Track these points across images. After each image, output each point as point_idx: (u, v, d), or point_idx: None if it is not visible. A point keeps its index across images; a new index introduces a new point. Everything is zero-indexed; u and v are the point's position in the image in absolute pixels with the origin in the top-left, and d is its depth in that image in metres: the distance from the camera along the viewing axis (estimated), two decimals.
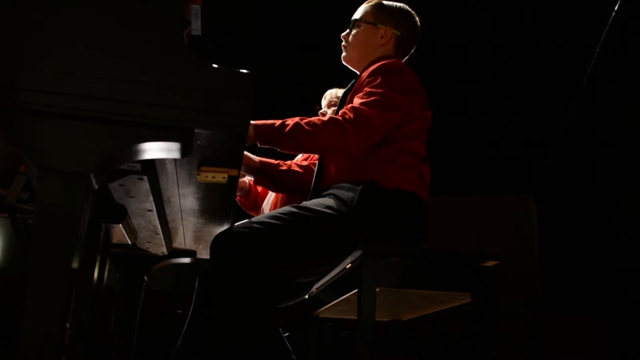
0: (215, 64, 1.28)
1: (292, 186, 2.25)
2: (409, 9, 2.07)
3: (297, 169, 2.26)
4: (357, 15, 2.06)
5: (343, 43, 2.08)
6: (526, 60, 5.48)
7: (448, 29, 5.39)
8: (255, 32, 5.49)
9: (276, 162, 2.26)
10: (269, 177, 2.22)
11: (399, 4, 2.06)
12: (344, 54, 2.08)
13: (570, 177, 5.20)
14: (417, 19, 2.06)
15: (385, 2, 2.05)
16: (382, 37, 2.01)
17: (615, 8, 3.48)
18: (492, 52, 5.48)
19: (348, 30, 2.07)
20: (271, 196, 2.57)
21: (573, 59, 4.84)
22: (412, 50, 2.11)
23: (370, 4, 2.06)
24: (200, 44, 1.66)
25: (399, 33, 2.02)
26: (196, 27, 1.60)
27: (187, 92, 1.24)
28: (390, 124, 1.80)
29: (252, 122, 1.69)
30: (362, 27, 2.03)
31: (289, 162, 2.30)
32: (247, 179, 2.58)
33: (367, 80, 1.86)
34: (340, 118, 1.74)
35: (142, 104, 1.22)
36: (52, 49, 1.22)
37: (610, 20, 3.55)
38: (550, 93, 5.39)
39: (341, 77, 2.42)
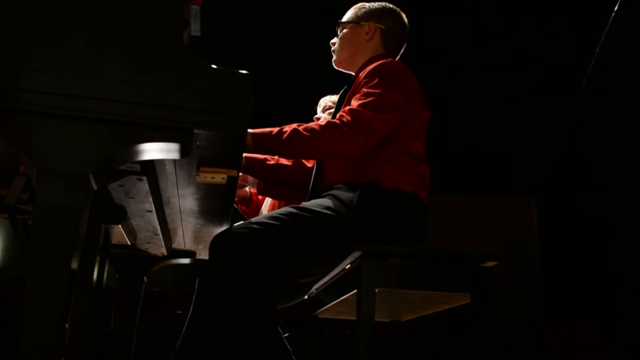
0: (215, 64, 1.28)
1: (281, 180, 2.21)
2: (393, 6, 2.09)
3: (285, 162, 2.24)
4: (341, 19, 2.11)
5: (332, 48, 2.11)
6: (526, 60, 5.48)
7: (447, 29, 5.40)
8: (255, 32, 5.49)
9: (263, 157, 2.24)
10: (256, 173, 2.19)
11: (382, 2, 2.09)
12: (334, 58, 2.11)
13: (570, 177, 5.20)
14: (402, 15, 2.09)
15: (367, 3, 2.10)
16: (366, 33, 2.04)
17: (615, 8, 3.48)
18: (493, 52, 5.48)
19: (336, 37, 2.10)
20: (269, 200, 2.58)
21: (573, 59, 4.84)
22: (404, 47, 2.11)
23: (353, 8, 2.11)
24: (199, 45, 1.66)
25: (383, 26, 2.03)
26: (195, 27, 1.60)
27: (186, 92, 1.24)
28: (389, 125, 1.80)
29: (249, 130, 1.69)
30: (347, 28, 2.08)
31: (276, 157, 2.28)
32: (248, 188, 2.58)
33: (364, 80, 1.86)
34: (337, 122, 1.74)
35: (141, 104, 1.22)
36: (51, 49, 1.22)
37: (610, 21, 3.55)
38: (550, 93, 5.39)
39: (340, 77, 2.43)
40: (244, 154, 2.18)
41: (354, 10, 2.10)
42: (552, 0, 5.19)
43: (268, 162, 2.22)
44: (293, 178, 2.18)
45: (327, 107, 2.65)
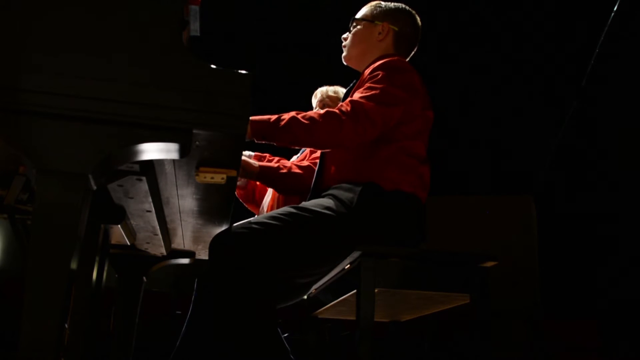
0: (214, 64, 1.28)
1: (294, 188, 2.25)
2: (408, 7, 2.08)
3: (297, 170, 2.26)
4: (356, 15, 2.10)
5: (343, 43, 2.10)
6: (527, 60, 5.47)
7: (446, 27, 5.39)
8: (254, 32, 5.49)
9: (276, 165, 2.26)
10: (269, 182, 2.23)
11: (397, 3, 2.08)
12: (344, 53, 2.10)
13: (570, 177, 5.20)
14: (416, 17, 2.08)
15: (383, 2, 2.08)
16: (379, 33, 2.03)
17: (615, 8, 3.48)
18: (493, 51, 5.47)
19: (348, 32, 2.09)
20: (269, 196, 2.57)
21: (573, 59, 4.84)
22: (415, 49, 2.11)
23: (368, 5, 2.10)
24: (199, 45, 1.66)
25: (396, 29, 2.03)
26: (195, 27, 1.60)
27: (185, 92, 1.24)
28: (389, 119, 1.79)
29: None
30: (360, 25, 2.07)
31: (288, 164, 2.30)
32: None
33: (368, 76, 1.87)
34: (337, 111, 1.74)
35: (140, 104, 1.22)
36: (51, 50, 1.22)
37: (610, 21, 3.55)
38: (550, 93, 5.39)
39: (340, 77, 2.42)
40: (260, 164, 2.21)
41: (369, 8, 2.09)
42: (553, 0, 5.19)
43: (281, 171, 2.23)
44: (304, 186, 2.19)
45: (322, 98, 2.64)
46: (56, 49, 1.22)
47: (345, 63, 2.12)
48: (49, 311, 1.14)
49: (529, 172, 4.95)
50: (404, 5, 2.09)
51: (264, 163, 2.25)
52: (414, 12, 2.09)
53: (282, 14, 5.44)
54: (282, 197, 2.42)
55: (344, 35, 2.11)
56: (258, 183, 2.64)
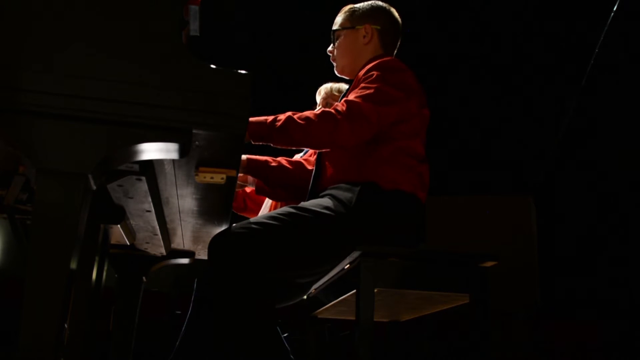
0: (214, 64, 1.28)
1: (284, 183, 2.21)
2: (382, 3, 2.08)
3: (287, 164, 2.24)
4: (334, 26, 2.10)
5: (331, 57, 2.09)
6: (526, 60, 5.48)
7: (446, 28, 5.39)
8: (254, 32, 5.49)
9: (264, 159, 2.24)
10: (258, 175, 2.20)
11: (371, 1, 2.08)
12: (335, 66, 2.10)
13: (570, 178, 5.20)
14: (393, 10, 2.08)
15: (355, 5, 2.07)
16: (364, 36, 2.02)
17: (614, 8, 3.48)
18: (492, 51, 5.48)
19: (332, 45, 2.08)
20: (269, 200, 2.56)
21: (573, 58, 4.84)
22: (398, 43, 2.11)
23: (342, 12, 2.09)
24: (199, 45, 1.66)
25: (379, 27, 2.03)
26: (195, 28, 1.60)
27: (185, 92, 1.24)
28: (386, 118, 1.79)
29: None
30: (343, 35, 2.06)
31: (278, 159, 2.28)
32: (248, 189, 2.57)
33: (363, 77, 1.87)
34: (332, 111, 1.74)
35: (140, 104, 1.22)
36: (51, 50, 1.22)
37: (609, 20, 3.55)
38: (550, 93, 5.39)
39: (340, 77, 2.42)
40: (248, 156, 2.19)
41: (345, 15, 2.08)
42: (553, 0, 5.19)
43: (270, 164, 2.22)
44: (294, 181, 2.18)
45: (326, 97, 2.62)
46: (56, 49, 1.22)
47: (339, 75, 2.12)
48: (49, 311, 1.14)
49: (529, 172, 4.95)
50: (378, 2, 2.08)
51: (253, 156, 2.22)
52: (388, 6, 2.08)
53: (281, 13, 5.43)
54: (282, 203, 2.40)
55: (329, 49, 2.10)
56: (248, 190, 2.63)
